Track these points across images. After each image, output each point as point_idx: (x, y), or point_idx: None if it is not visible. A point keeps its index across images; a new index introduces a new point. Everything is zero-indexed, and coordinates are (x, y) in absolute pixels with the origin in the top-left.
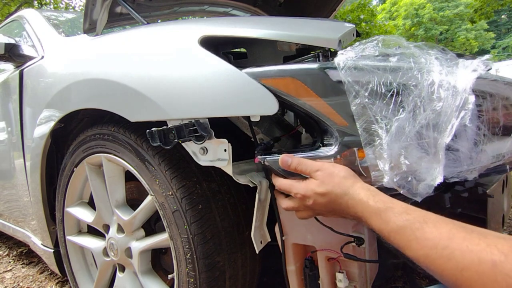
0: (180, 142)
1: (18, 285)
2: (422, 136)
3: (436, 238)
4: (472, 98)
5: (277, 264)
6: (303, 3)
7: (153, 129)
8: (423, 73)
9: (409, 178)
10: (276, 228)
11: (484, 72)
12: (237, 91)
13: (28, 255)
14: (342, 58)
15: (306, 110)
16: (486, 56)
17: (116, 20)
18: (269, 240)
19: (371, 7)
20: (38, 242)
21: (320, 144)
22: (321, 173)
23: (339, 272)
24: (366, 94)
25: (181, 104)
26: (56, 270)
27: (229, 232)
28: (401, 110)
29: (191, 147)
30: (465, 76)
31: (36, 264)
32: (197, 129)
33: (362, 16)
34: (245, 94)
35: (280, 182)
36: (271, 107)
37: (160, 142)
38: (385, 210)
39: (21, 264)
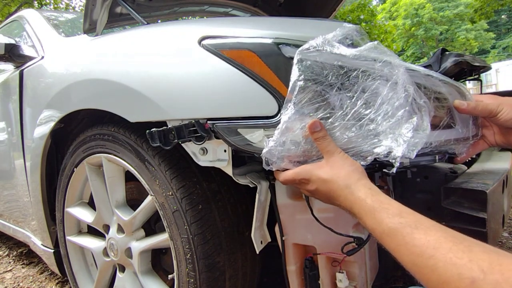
0: (180, 142)
1: (18, 285)
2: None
3: (423, 245)
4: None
5: (277, 264)
6: (303, 3)
7: (153, 129)
8: (367, 76)
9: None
10: (276, 228)
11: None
12: (237, 92)
13: (28, 256)
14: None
15: (260, 81)
16: None
17: (116, 20)
18: (269, 240)
19: (371, 7)
20: (38, 242)
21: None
22: (334, 159)
23: (339, 272)
24: (307, 73)
25: (181, 105)
26: (56, 271)
27: (229, 232)
28: (322, 105)
29: (191, 147)
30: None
31: (36, 265)
32: (197, 130)
33: (362, 16)
34: (245, 95)
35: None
36: (271, 108)
37: (160, 142)
38: (380, 211)
39: (21, 265)
